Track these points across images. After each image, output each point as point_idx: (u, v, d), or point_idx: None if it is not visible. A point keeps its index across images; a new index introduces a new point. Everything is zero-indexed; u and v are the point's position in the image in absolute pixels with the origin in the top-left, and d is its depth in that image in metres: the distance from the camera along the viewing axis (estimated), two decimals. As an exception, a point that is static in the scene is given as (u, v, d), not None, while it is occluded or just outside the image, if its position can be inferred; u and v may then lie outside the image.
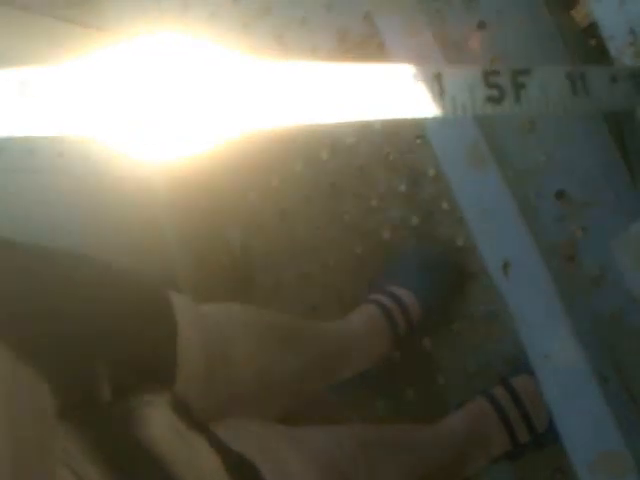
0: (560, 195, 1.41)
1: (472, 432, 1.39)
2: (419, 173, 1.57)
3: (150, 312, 0.98)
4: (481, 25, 1.46)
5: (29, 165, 1.43)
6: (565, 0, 1.37)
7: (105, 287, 0.95)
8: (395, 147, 1.60)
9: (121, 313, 0.94)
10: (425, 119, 0.95)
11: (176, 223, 1.70)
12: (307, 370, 1.26)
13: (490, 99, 0.48)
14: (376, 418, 1.62)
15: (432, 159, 1.49)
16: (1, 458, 0.68)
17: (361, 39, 1.61)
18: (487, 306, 1.50)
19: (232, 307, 1.21)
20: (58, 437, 0.76)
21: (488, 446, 1.41)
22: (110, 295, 0.95)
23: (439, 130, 0.91)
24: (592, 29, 0.87)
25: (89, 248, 1.42)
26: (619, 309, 1.34)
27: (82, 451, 0.75)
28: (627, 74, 0.52)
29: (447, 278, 1.54)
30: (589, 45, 1.29)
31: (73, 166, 1.49)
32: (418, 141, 1.55)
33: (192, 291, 1.65)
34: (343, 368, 1.40)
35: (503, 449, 1.42)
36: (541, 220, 1.40)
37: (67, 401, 0.80)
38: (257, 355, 1.14)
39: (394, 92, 0.45)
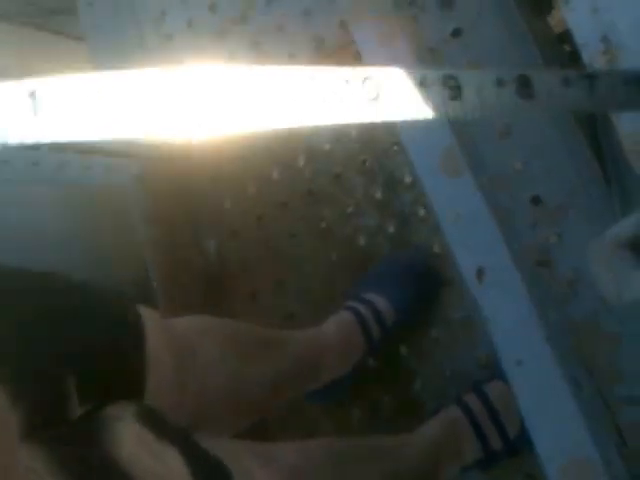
0: (535, 201, 1.41)
1: (444, 441, 1.39)
2: (396, 180, 1.58)
3: (118, 326, 0.97)
4: (456, 32, 1.47)
5: (3, 175, 1.42)
6: (540, 6, 1.38)
7: (73, 303, 0.94)
8: (372, 154, 1.61)
9: (88, 328, 0.93)
10: (401, 125, 0.95)
11: (151, 230, 1.69)
12: (279, 378, 1.26)
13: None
14: (353, 425, 1.62)
15: (408, 166, 1.49)
16: None
17: (338, 46, 1.61)
18: (463, 312, 1.50)
19: (201, 319, 1.21)
20: (22, 457, 0.75)
21: (460, 454, 1.41)
22: (77, 311, 0.94)
23: (414, 136, 0.91)
24: (567, 35, 0.87)
25: (62, 257, 1.42)
26: (594, 314, 1.35)
27: (49, 471, 0.74)
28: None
29: (423, 285, 1.54)
30: (564, 51, 1.30)
31: (47, 175, 1.48)
32: (395, 148, 1.55)
33: (167, 299, 1.65)
34: (317, 375, 1.40)
35: (475, 456, 1.42)
36: (516, 226, 1.41)
37: (33, 419, 0.79)
38: (227, 365, 1.15)
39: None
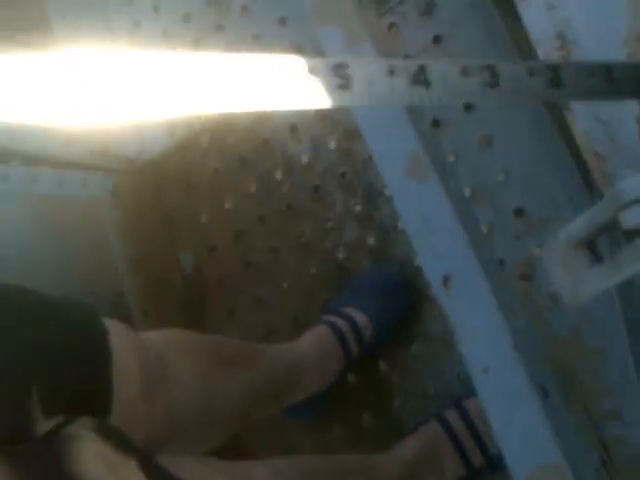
0: (519, 213, 1.40)
1: (424, 458, 1.37)
2: (375, 192, 1.56)
3: (83, 341, 0.96)
4: (437, 39, 1.46)
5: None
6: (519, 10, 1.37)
7: (36, 318, 0.93)
8: (350, 166, 1.59)
9: (52, 344, 0.91)
10: (365, 130, 0.94)
11: (125, 246, 1.68)
12: (254, 393, 1.24)
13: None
14: (332, 443, 1.59)
15: (387, 177, 1.48)
16: None
17: (316, 54, 1.60)
18: (443, 327, 1.47)
19: (172, 333, 1.19)
20: None
21: (441, 472, 1.39)
22: (41, 326, 0.92)
23: (379, 141, 0.90)
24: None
25: (33, 274, 1.41)
26: (577, 328, 1.33)
27: None
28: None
29: (402, 299, 1.52)
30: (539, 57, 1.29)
31: (20, 189, 1.47)
32: (373, 160, 1.54)
33: (143, 315, 1.64)
34: (293, 390, 1.38)
35: (457, 474, 1.40)
36: (498, 237, 1.39)
37: None
38: (199, 380, 1.13)
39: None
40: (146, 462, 0.87)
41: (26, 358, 0.86)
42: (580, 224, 0.61)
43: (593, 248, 0.62)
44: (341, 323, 1.48)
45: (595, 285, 0.61)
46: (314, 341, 1.45)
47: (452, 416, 1.41)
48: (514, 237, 1.40)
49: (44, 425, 0.83)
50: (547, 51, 0.67)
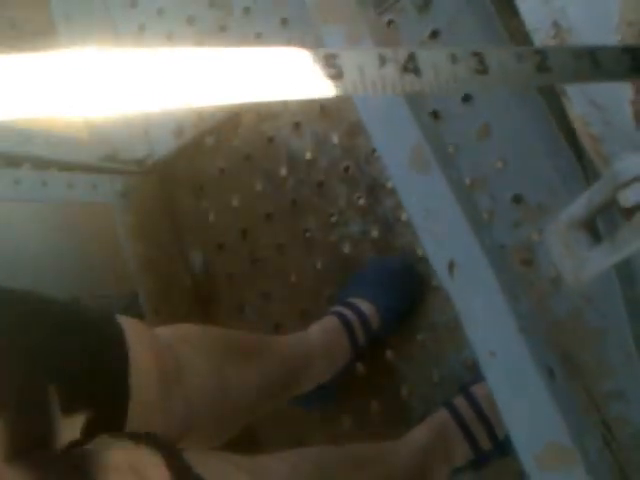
0: (517, 199, 1.42)
1: (433, 445, 1.39)
2: (378, 185, 1.58)
3: (99, 339, 0.97)
4: (434, 34, 1.48)
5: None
6: (515, 6, 1.39)
7: (51, 320, 0.94)
8: (353, 160, 1.61)
9: (69, 344, 0.92)
10: (368, 123, 0.96)
11: (136, 246, 1.70)
12: (266, 384, 1.26)
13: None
14: (341, 432, 1.61)
15: (389, 170, 1.50)
16: None
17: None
18: (448, 315, 1.50)
19: (185, 327, 1.21)
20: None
21: (450, 457, 1.41)
22: (57, 328, 0.93)
23: (382, 133, 0.92)
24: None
25: (45, 276, 1.42)
26: (578, 310, 1.35)
27: None
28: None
29: (408, 289, 1.54)
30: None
31: (30, 193, 1.48)
32: (376, 153, 1.56)
33: (154, 312, 1.65)
34: (303, 380, 1.40)
35: (466, 458, 1.42)
36: (498, 224, 1.42)
37: (16, 440, 0.79)
38: (213, 373, 1.15)
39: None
40: (172, 460, 0.88)
41: (43, 359, 0.87)
42: (579, 205, 0.63)
43: (593, 229, 0.64)
44: (348, 313, 1.50)
45: (596, 265, 0.63)
46: (322, 331, 1.47)
47: (460, 402, 1.43)
48: (513, 223, 1.43)
49: (64, 426, 0.84)
50: (543, 39, 0.69)
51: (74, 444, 0.84)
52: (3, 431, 0.78)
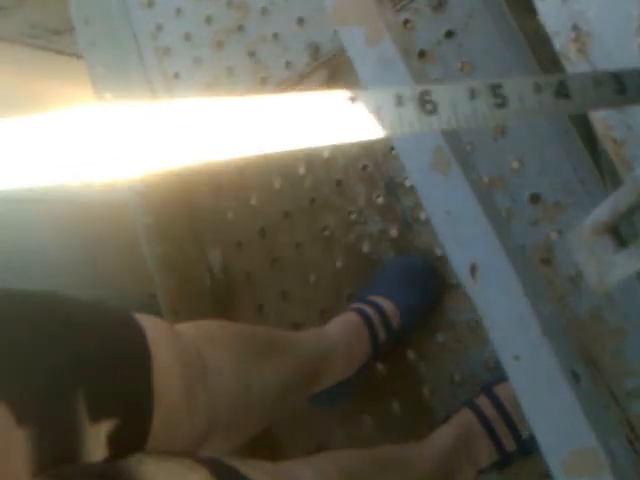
0: (534, 199, 1.42)
1: (458, 446, 1.38)
2: (396, 184, 1.57)
3: (120, 342, 0.95)
4: (449, 34, 1.47)
5: (0, 194, 1.41)
6: (531, 5, 1.39)
7: (72, 325, 0.91)
8: (371, 159, 1.61)
9: (91, 349, 0.90)
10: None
11: (154, 246, 1.70)
12: (287, 380, 1.25)
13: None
14: (363, 433, 1.61)
15: (408, 169, 1.49)
16: None
17: (333, 53, 1.62)
18: (469, 315, 1.49)
19: (208, 323, 1.20)
20: None
21: (475, 458, 1.40)
22: (78, 332, 0.91)
23: (404, 137, 0.91)
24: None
25: (62, 275, 1.42)
26: (597, 309, 1.34)
27: None
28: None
29: (428, 287, 1.53)
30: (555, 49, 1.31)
31: (49, 193, 1.48)
32: (393, 152, 1.55)
33: (173, 312, 1.65)
34: (323, 376, 1.40)
35: (490, 459, 1.42)
36: (516, 223, 1.41)
37: (42, 457, 0.77)
38: (236, 370, 1.13)
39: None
40: (217, 467, 0.88)
41: (64, 365, 0.85)
42: (604, 209, 0.62)
43: (617, 233, 0.63)
44: (368, 309, 1.50)
45: (622, 270, 0.62)
46: (342, 327, 1.46)
47: (484, 403, 1.42)
48: (531, 223, 1.42)
49: (89, 435, 0.83)
50: (563, 43, 0.68)
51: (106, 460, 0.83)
52: (27, 445, 0.76)
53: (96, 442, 0.84)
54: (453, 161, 0.88)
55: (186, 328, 1.13)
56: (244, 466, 0.96)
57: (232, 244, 1.79)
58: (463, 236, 0.88)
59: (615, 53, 0.68)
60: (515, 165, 1.44)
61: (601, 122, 0.68)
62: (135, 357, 0.95)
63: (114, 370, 0.91)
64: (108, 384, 0.89)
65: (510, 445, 1.40)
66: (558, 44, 0.68)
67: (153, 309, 1.66)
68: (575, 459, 0.80)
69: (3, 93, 1.93)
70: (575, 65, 0.68)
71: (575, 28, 0.68)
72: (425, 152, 0.89)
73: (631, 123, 0.67)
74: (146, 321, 1.00)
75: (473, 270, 0.87)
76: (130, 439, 0.88)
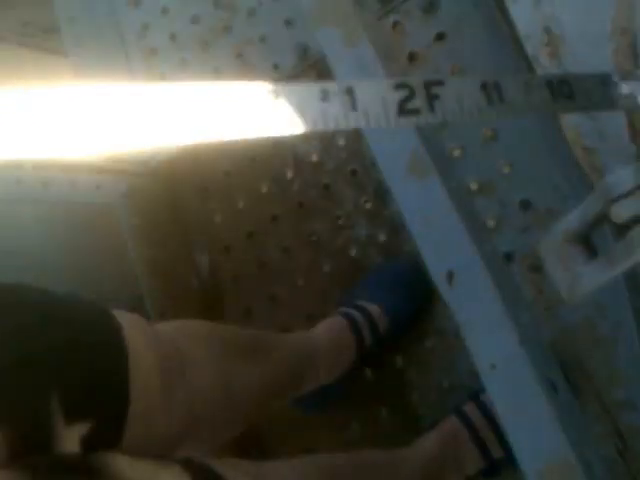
0: (525, 205, 1.40)
1: (444, 453, 1.37)
2: (385, 189, 1.56)
3: (96, 338, 0.93)
4: (440, 36, 1.46)
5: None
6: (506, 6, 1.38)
7: (47, 320, 0.90)
8: (360, 163, 1.59)
9: (66, 345, 0.88)
10: (365, 130, 0.94)
11: (142, 248, 1.68)
12: (270, 382, 1.24)
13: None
14: (351, 438, 1.59)
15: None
16: None
17: (322, 54, 1.60)
18: (456, 322, 1.47)
19: (188, 323, 1.18)
20: None
21: (461, 465, 1.39)
22: (54, 328, 0.89)
23: (379, 139, 0.90)
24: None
25: (47, 277, 1.41)
26: (588, 318, 1.33)
27: None
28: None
29: (415, 292, 1.52)
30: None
31: (32, 194, 1.46)
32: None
33: (159, 315, 1.64)
34: (307, 379, 1.38)
35: (477, 467, 1.40)
36: (505, 230, 1.39)
37: (14, 441, 0.77)
38: (217, 369, 1.11)
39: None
40: (189, 465, 0.87)
41: (42, 361, 0.84)
42: (572, 219, 0.61)
43: (588, 242, 0.62)
44: (354, 313, 1.48)
45: (591, 281, 0.61)
46: (328, 330, 1.45)
47: (471, 409, 1.41)
48: (521, 229, 1.40)
49: (64, 436, 0.82)
50: (535, 46, 0.67)
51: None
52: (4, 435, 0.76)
53: (69, 436, 0.83)
54: (430, 165, 0.87)
55: (167, 326, 1.12)
56: (223, 465, 0.95)
57: (219, 247, 1.78)
58: (440, 242, 0.87)
59: (588, 58, 0.66)
60: (506, 170, 1.42)
61: (572, 129, 0.66)
62: (111, 355, 0.93)
63: (87, 369, 0.89)
64: (80, 379, 0.87)
65: (497, 452, 1.39)
66: (530, 48, 0.67)
67: (141, 311, 1.65)
68: (551, 471, 0.79)
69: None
70: (546, 70, 0.67)
71: (547, 31, 0.66)
72: (401, 155, 0.88)
73: (602, 130, 0.65)
74: (122, 317, 0.98)
75: (450, 277, 0.86)
76: (104, 434, 0.87)
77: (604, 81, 0.54)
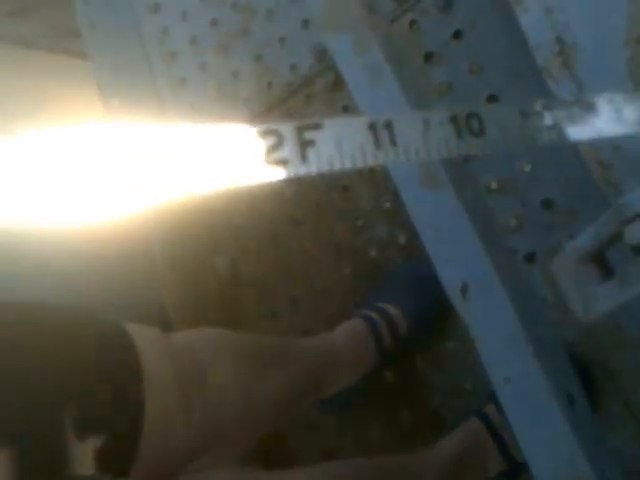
0: (547, 204, 1.37)
1: (465, 455, 1.36)
2: (404, 189, 1.54)
3: (110, 356, 0.92)
4: (457, 34, 1.44)
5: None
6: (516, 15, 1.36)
7: (61, 339, 0.89)
8: (379, 164, 1.57)
9: (79, 364, 0.88)
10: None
11: (164, 250, 1.68)
12: (290, 388, 1.23)
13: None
14: (372, 441, 1.59)
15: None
16: None
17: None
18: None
19: (206, 332, 1.18)
20: None
21: (483, 467, 1.38)
22: (68, 346, 0.89)
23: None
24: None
25: (70, 284, 1.41)
26: (615, 319, 1.30)
27: None
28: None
29: (436, 295, 1.50)
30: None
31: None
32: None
33: (181, 318, 1.64)
34: (328, 383, 1.38)
35: (498, 468, 1.39)
36: (527, 230, 1.37)
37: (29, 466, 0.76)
38: (238, 380, 1.11)
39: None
40: None
41: (51, 381, 0.84)
42: (586, 238, 0.60)
43: (603, 262, 0.60)
44: (374, 316, 1.48)
45: (606, 302, 0.60)
46: (348, 333, 1.44)
47: (492, 411, 1.40)
48: (544, 228, 1.38)
49: (77, 453, 0.81)
50: (546, 56, 0.65)
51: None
52: (8, 465, 0.75)
53: (83, 457, 0.82)
54: (443, 176, 0.85)
55: (184, 335, 1.12)
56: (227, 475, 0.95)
57: (239, 249, 1.77)
58: (454, 255, 0.86)
59: (601, 67, 0.64)
60: (527, 168, 1.40)
61: (588, 143, 0.65)
62: (124, 370, 0.92)
63: (100, 384, 0.89)
64: (94, 399, 0.87)
65: (519, 455, 1.37)
66: (541, 58, 0.65)
67: (162, 315, 1.65)
68: (567, 485, 0.77)
69: (21, 97, 1.93)
70: (558, 80, 0.65)
71: (559, 41, 0.64)
72: (414, 166, 0.86)
73: (619, 143, 0.63)
74: (137, 332, 0.97)
75: (464, 290, 0.85)
76: (119, 452, 0.87)
77: (524, 112, 0.49)
